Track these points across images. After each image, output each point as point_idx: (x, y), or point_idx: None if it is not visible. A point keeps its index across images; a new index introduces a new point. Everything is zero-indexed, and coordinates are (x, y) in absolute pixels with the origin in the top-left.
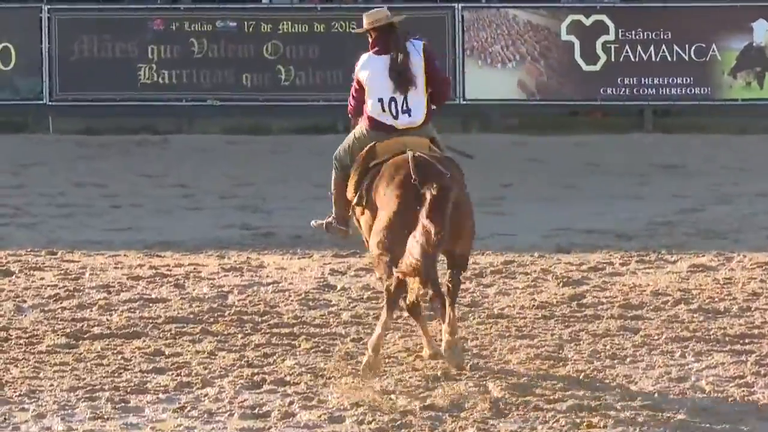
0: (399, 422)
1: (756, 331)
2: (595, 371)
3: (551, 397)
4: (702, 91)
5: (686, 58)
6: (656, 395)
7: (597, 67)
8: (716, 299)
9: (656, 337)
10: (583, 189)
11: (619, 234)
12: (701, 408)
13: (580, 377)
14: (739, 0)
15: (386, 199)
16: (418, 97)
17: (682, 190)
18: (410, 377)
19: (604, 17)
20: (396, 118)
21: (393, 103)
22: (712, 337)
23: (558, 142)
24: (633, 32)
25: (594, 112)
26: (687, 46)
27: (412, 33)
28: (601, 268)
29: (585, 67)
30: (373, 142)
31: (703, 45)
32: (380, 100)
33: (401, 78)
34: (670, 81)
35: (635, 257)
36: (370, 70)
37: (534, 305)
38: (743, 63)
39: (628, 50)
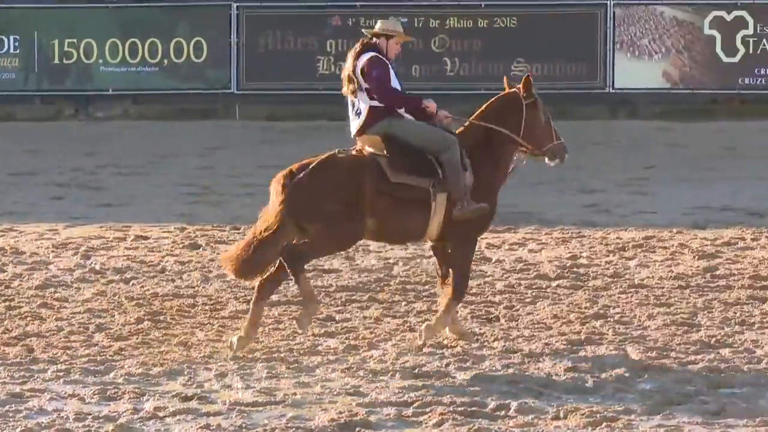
0: (544, 382)
1: None
2: (725, 336)
3: (685, 360)
4: None
5: None
6: None
7: (736, 59)
8: None
9: None
10: (720, 171)
11: (752, 212)
12: None
13: (712, 341)
14: None
15: None
16: None
17: None
18: (556, 342)
19: (744, 13)
20: None
21: None
22: None
23: (699, 128)
24: None
25: (732, 100)
26: None
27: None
28: (733, 242)
29: (725, 59)
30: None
31: None
32: None
33: None
34: None
35: (765, 233)
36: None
37: (671, 276)
38: None
39: (765, 43)
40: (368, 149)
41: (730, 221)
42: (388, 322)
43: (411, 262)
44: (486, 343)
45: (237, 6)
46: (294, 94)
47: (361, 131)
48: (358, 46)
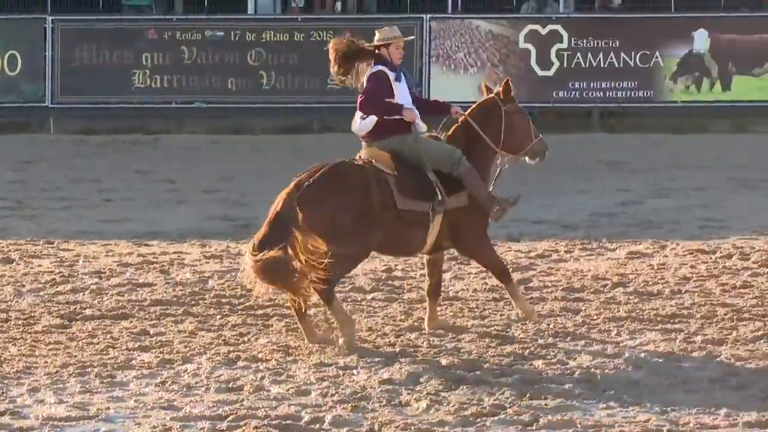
0: (359, 395)
1: (685, 312)
2: (539, 348)
3: (498, 372)
4: (645, 94)
5: (632, 64)
6: (593, 370)
7: (551, 72)
8: (650, 283)
9: (595, 317)
10: (534, 184)
11: (565, 224)
12: (633, 381)
13: (525, 353)
14: (682, 11)
15: None
16: None
17: (624, 184)
18: (372, 354)
19: (558, 27)
20: None
21: None
22: (645, 317)
23: None
24: (584, 41)
25: (547, 113)
26: (633, 53)
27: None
28: (547, 255)
29: (540, 72)
30: None
31: (648, 52)
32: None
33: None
34: (617, 85)
35: (578, 245)
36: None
37: (486, 288)
38: (683, 69)
39: (580, 57)
40: (375, 163)
41: (544, 234)
42: (203, 336)
43: (226, 276)
44: (300, 357)
45: (52, 19)
46: (109, 108)
47: (371, 138)
48: (354, 49)
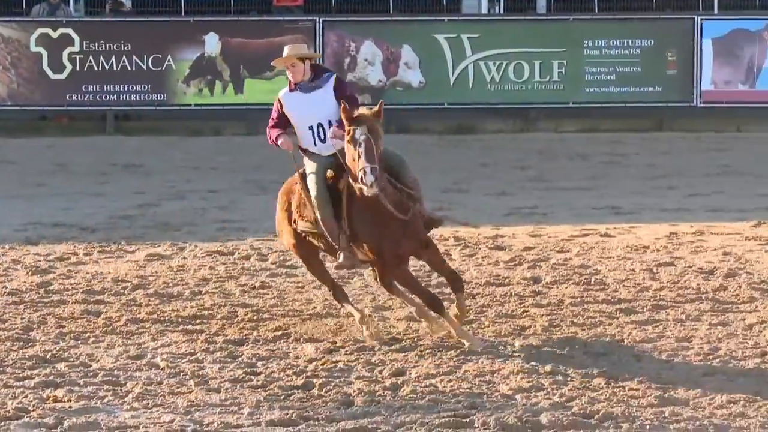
0: None
1: (206, 313)
2: (60, 351)
3: (20, 375)
4: (158, 97)
5: (144, 67)
6: (116, 371)
7: (63, 76)
8: (171, 284)
9: (116, 319)
10: (51, 187)
11: (83, 227)
12: (156, 382)
13: (47, 357)
14: (192, 15)
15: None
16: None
17: (140, 187)
18: None
19: (70, 30)
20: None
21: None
22: (166, 318)
23: (29, 144)
24: (96, 44)
25: (61, 116)
26: (145, 56)
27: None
28: (66, 258)
29: (53, 76)
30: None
31: (160, 55)
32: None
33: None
34: (130, 88)
35: (97, 248)
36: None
37: (5, 292)
38: (196, 72)
39: (92, 60)
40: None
41: (63, 236)
42: None
43: None
44: None
45: None
46: None
47: None
48: None
